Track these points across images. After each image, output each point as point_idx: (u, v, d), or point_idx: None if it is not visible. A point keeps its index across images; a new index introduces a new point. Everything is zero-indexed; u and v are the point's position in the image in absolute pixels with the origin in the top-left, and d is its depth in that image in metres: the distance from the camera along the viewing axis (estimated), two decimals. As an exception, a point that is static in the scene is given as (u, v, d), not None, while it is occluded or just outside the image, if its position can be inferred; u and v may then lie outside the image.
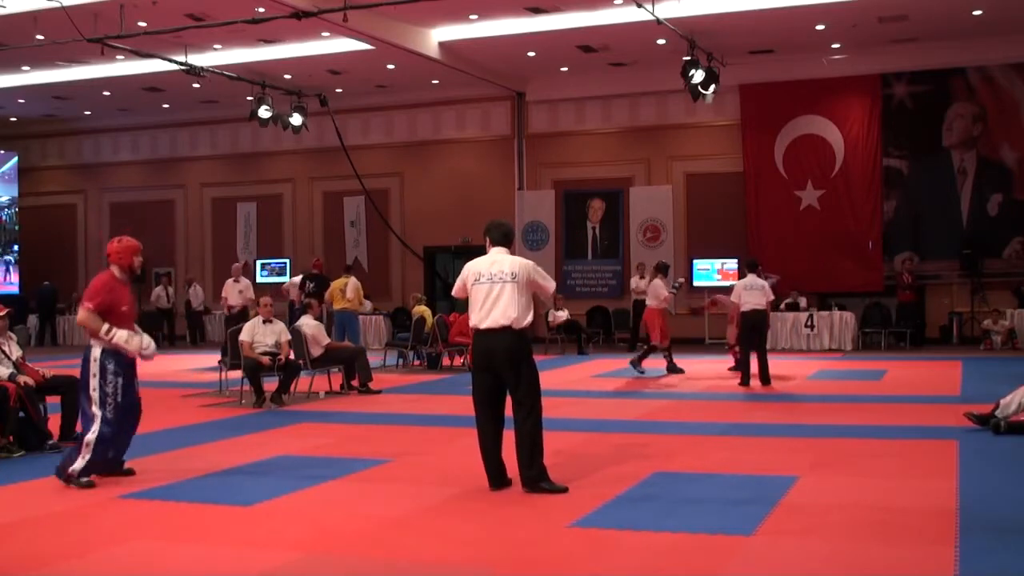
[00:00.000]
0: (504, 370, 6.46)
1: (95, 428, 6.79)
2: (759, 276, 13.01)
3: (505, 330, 6.46)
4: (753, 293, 12.54)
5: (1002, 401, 8.42)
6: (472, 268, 6.66)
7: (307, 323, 12.32)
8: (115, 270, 7.02)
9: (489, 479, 6.54)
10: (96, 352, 6.84)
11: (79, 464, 6.79)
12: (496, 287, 6.52)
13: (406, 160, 22.63)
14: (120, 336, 6.80)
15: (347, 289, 15.47)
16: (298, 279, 19.20)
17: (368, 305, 16.92)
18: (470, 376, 6.74)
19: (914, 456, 7.59)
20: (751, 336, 12.59)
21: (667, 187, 20.69)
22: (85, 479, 6.81)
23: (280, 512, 6.09)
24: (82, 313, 6.85)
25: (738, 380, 12.59)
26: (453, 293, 6.90)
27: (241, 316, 15.79)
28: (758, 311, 12.49)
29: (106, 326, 6.78)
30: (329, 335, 13.52)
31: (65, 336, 23.34)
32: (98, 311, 6.79)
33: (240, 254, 23.64)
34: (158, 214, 24.77)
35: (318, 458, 7.85)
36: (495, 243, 6.74)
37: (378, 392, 12.25)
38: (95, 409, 6.81)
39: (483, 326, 6.50)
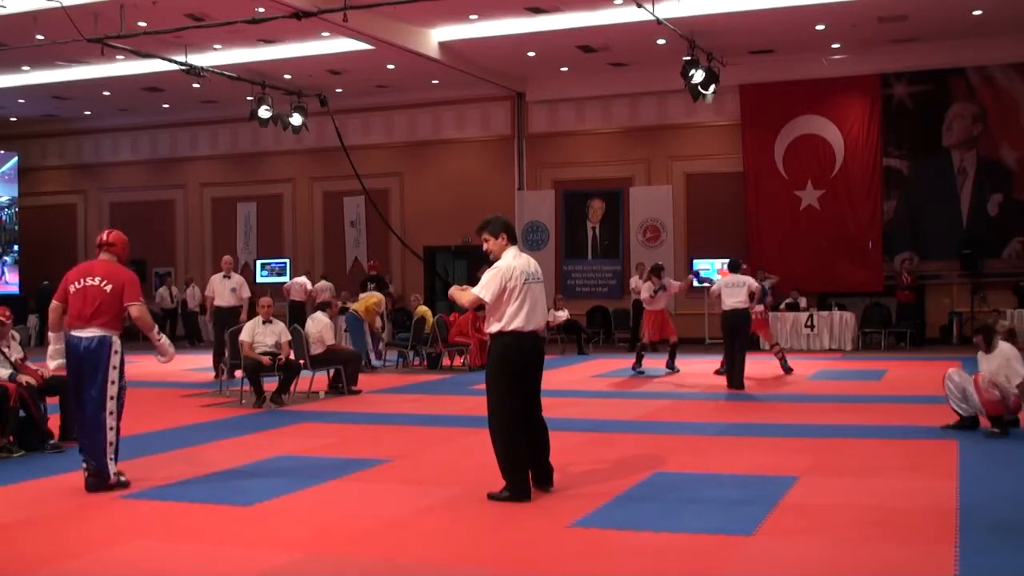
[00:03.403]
0: (538, 372, 6.39)
1: (113, 424, 6.67)
2: (743, 275, 12.60)
3: (538, 332, 6.41)
4: (734, 291, 12.15)
5: (955, 407, 8.44)
6: (515, 268, 6.24)
7: (318, 319, 12.39)
8: (117, 262, 6.98)
9: (527, 492, 6.22)
10: (118, 344, 6.76)
11: (112, 466, 6.66)
12: (539, 287, 6.37)
13: (406, 160, 22.63)
14: (165, 340, 6.89)
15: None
16: (301, 279, 19.54)
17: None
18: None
19: (914, 456, 7.59)
20: (732, 338, 12.15)
21: (667, 187, 20.70)
22: (123, 478, 6.76)
23: (280, 512, 6.09)
24: (142, 309, 6.77)
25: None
26: (488, 298, 6.18)
27: (232, 314, 13.60)
28: (738, 311, 12.12)
29: (156, 326, 6.85)
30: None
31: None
32: None
33: (240, 254, 23.63)
34: (158, 214, 24.77)
35: (318, 458, 7.84)
36: (511, 241, 6.42)
37: (359, 392, 12.24)
38: (113, 404, 6.67)
39: (529, 328, 6.26)
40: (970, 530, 5.30)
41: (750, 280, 12.47)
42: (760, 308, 13.67)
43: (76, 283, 6.81)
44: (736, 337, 12.20)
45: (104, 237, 7.05)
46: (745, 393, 11.87)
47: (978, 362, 8.56)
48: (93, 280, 6.78)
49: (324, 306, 13.17)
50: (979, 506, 5.85)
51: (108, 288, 6.74)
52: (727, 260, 18.89)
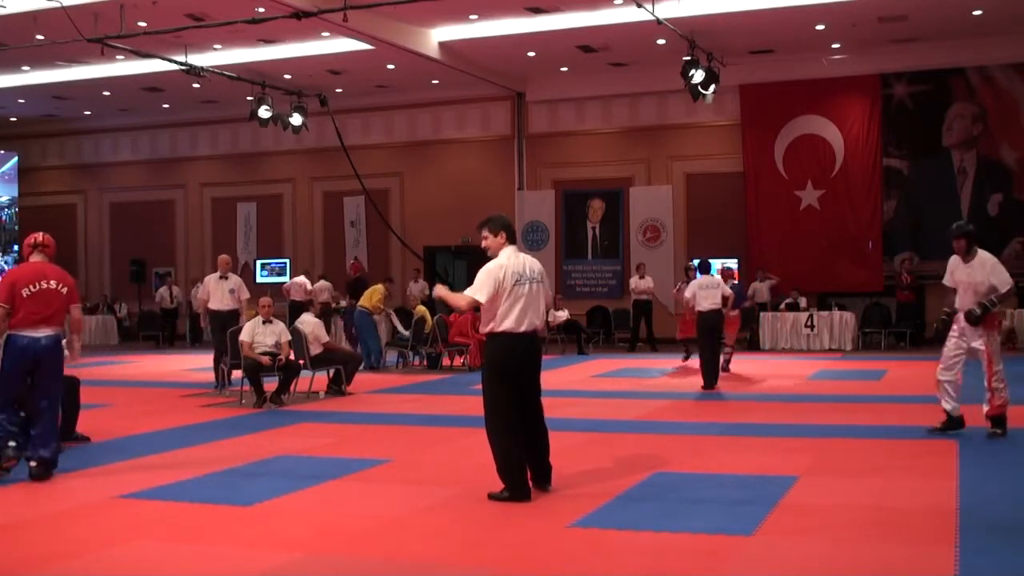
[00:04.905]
0: (533, 373, 6.35)
1: (58, 409, 7.15)
2: (715, 277, 12.69)
3: (536, 332, 6.33)
4: (709, 293, 12.18)
5: (947, 407, 8.40)
6: (507, 268, 6.21)
7: (306, 320, 12.37)
8: (49, 262, 7.26)
9: (525, 492, 6.20)
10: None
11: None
12: (534, 287, 6.27)
13: (406, 160, 22.63)
14: (79, 346, 7.32)
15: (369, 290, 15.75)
16: (300, 279, 19.57)
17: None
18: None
19: (914, 456, 7.59)
20: (708, 337, 12.15)
21: (667, 187, 20.70)
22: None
23: (280, 512, 6.09)
24: (80, 310, 7.03)
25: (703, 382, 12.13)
26: (483, 299, 6.16)
27: (230, 317, 12.56)
28: (715, 311, 12.16)
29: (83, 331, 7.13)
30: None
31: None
32: None
33: (240, 254, 23.64)
34: (158, 214, 24.77)
35: (318, 458, 7.85)
36: (510, 240, 6.36)
37: (350, 394, 12.15)
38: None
39: (521, 329, 6.19)
40: (970, 530, 5.30)
41: (723, 285, 12.57)
42: (735, 313, 13.82)
43: (30, 286, 7.01)
44: (715, 337, 12.30)
45: (39, 239, 7.28)
46: (745, 393, 11.87)
47: (951, 272, 8.72)
48: (49, 283, 7.06)
49: (307, 306, 13.16)
50: (979, 506, 5.85)
51: (64, 291, 7.13)
52: (736, 260, 19.10)
